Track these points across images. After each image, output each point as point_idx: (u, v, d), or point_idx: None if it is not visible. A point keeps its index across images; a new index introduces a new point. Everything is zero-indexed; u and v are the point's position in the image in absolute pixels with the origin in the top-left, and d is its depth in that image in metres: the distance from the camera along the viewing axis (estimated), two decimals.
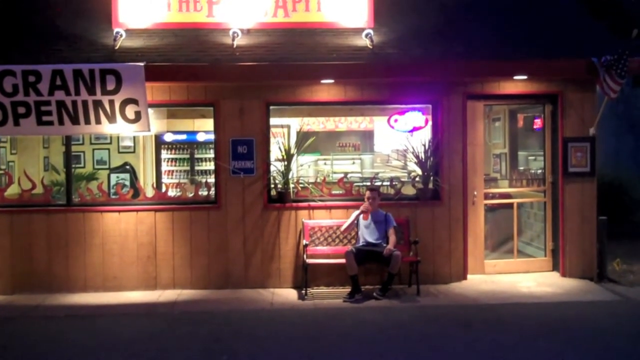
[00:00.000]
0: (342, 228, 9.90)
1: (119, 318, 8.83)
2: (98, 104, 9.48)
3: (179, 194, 10.67)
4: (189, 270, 10.16)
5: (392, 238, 9.68)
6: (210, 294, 9.92)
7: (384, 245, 9.67)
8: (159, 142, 15.21)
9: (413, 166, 10.83)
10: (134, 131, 9.70)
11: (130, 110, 9.52)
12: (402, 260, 9.57)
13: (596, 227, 10.55)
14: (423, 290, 9.76)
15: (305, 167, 15.40)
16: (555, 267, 10.78)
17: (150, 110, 11.03)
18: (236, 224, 10.18)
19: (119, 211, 10.14)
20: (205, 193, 10.59)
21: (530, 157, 12.43)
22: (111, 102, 9.49)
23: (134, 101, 9.48)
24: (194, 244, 10.16)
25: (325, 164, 16.09)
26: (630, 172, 16.78)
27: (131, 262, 10.13)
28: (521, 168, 12.49)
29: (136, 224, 10.13)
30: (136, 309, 9.25)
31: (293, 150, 10.41)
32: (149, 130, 9.67)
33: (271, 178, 10.29)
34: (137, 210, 10.15)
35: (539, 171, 11.32)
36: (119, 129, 9.64)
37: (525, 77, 10.19)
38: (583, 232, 10.56)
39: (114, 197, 10.59)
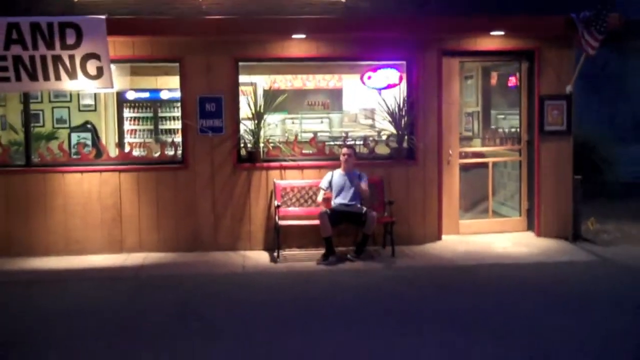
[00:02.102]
0: (319, 199, 9.58)
1: (84, 283, 8.45)
2: (57, 59, 8.97)
3: (144, 153, 10.24)
4: (156, 232, 9.80)
5: (364, 188, 9.38)
6: (179, 257, 9.58)
7: (359, 206, 9.40)
8: (121, 100, 14.78)
9: (383, 125, 10.56)
10: (95, 88, 9.22)
11: (91, 66, 9.03)
12: (377, 222, 9.33)
13: (572, 187, 10.41)
14: (398, 251, 9.54)
15: (273, 127, 15.07)
16: (530, 227, 10.65)
17: (113, 67, 10.57)
18: (205, 184, 9.82)
19: (82, 172, 9.70)
20: (172, 153, 10.19)
21: (504, 116, 12.23)
22: (71, 57, 8.99)
23: (95, 56, 9.00)
24: (161, 205, 9.79)
25: (293, 122, 15.81)
26: (597, 131, 16.73)
27: (95, 224, 9.73)
28: (494, 127, 12.29)
29: (100, 185, 9.71)
30: (102, 273, 8.88)
31: (263, 109, 10.02)
32: (112, 87, 9.21)
33: (240, 137, 9.92)
34: (100, 171, 9.72)
35: (514, 130, 11.12)
36: (80, 85, 9.16)
37: (502, 33, 9.90)
38: (558, 192, 10.41)
39: (75, 157, 10.14)
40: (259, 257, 9.59)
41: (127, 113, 14.84)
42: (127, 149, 14.00)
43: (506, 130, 11.69)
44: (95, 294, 7.99)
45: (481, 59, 10.97)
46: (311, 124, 15.76)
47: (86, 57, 8.99)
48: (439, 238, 10.25)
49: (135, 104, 14.89)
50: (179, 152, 9.96)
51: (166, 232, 9.80)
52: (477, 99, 12.57)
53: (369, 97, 16.52)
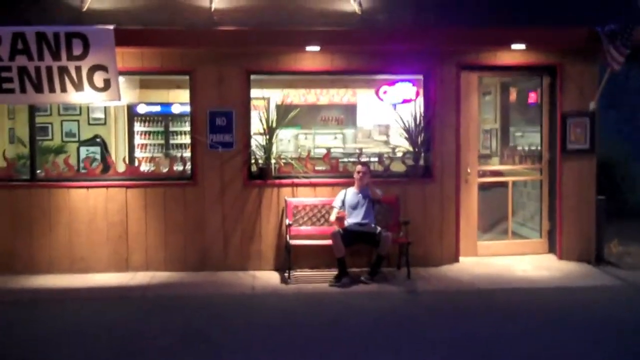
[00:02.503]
0: (331, 218, 9.21)
1: (87, 303, 8.12)
2: (63, 71, 8.70)
3: (152, 169, 9.94)
4: (163, 251, 9.47)
5: (376, 192, 9.06)
6: (186, 276, 9.24)
7: (373, 225, 9.04)
8: (132, 113, 14.62)
9: (398, 140, 10.23)
10: (102, 100, 8.93)
11: (98, 78, 8.74)
12: (392, 242, 8.97)
13: (595, 208, 10.00)
14: (413, 273, 9.16)
15: (285, 142, 14.78)
16: (551, 250, 10.23)
17: (121, 79, 10.28)
18: (214, 201, 9.49)
19: (88, 187, 9.40)
20: (180, 168, 9.88)
21: (522, 134, 11.86)
22: (78, 69, 8.71)
23: (102, 68, 8.71)
24: (169, 223, 9.46)
25: (306, 138, 15.55)
26: (617, 148, 16.28)
27: (100, 242, 9.41)
28: (513, 145, 11.92)
29: (106, 201, 9.40)
30: (106, 293, 8.55)
31: (275, 123, 9.70)
32: (119, 100, 8.92)
33: (252, 153, 9.60)
34: (107, 187, 9.41)
35: (533, 148, 10.75)
36: (87, 98, 8.88)
37: (523, 46, 9.54)
38: (581, 213, 10.00)
39: (82, 171, 9.83)
40: (269, 277, 9.23)
41: (137, 127, 14.67)
42: (135, 164, 13.81)
43: (525, 148, 11.32)
44: (99, 315, 7.65)
45: (501, 74, 10.61)
46: (324, 140, 15.48)
47: (93, 69, 8.71)
48: (457, 260, 9.86)
49: (146, 118, 14.70)
50: (188, 167, 9.64)
51: (174, 250, 9.48)
52: (495, 116, 12.21)
53: (384, 113, 16.34)
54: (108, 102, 9.13)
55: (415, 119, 9.84)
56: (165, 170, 9.82)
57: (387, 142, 16.98)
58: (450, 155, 9.80)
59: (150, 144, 14.76)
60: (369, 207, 9.12)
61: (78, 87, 8.80)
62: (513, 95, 12.20)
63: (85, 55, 8.68)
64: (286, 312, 7.75)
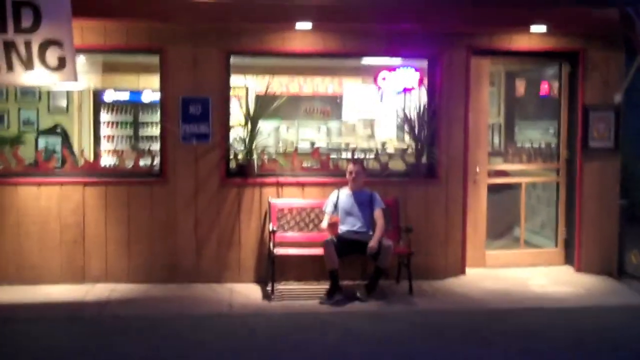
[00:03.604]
0: (323, 225, 7.98)
1: (32, 325, 6.77)
2: (10, 46, 7.30)
3: (114, 163, 8.61)
4: (126, 259, 8.15)
5: (380, 223, 7.81)
6: (152, 289, 7.93)
7: (371, 233, 7.81)
8: (98, 101, 13.39)
9: (384, 135, 9.06)
10: (56, 81, 7.57)
11: (52, 55, 7.36)
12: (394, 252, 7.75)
13: (618, 214, 8.86)
14: (416, 288, 7.94)
15: (265, 135, 13.62)
16: (568, 261, 9.06)
17: (82, 59, 9.04)
18: (186, 202, 8.18)
19: (39, 184, 8.04)
20: (147, 163, 8.57)
21: (532, 129, 10.71)
22: (27, 44, 7.34)
23: (57, 43, 7.34)
24: (133, 227, 8.14)
25: (287, 131, 14.43)
26: (636, 148, 15.18)
27: (53, 247, 8.07)
28: (521, 142, 10.77)
29: (60, 200, 8.06)
30: (56, 310, 7.20)
31: (257, 113, 8.41)
32: (76, 80, 7.55)
33: (230, 147, 8.32)
34: (61, 184, 8.06)
35: (544, 146, 9.61)
36: (38, 78, 7.49)
37: (544, 28, 8.33)
38: (602, 220, 8.85)
39: (31, 166, 8.47)
40: (250, 291, 7.96)
41: (104, 116, 13.40)
42: (100, 157, 12.52)
43: (535, 145, 10.16)
44: (43, 341, 6.32)
45: (516, 61, 9.36)
46: (307, 133, 14.35)
47: (46, 44, 7.33)
48: (463, 272, 8.66)
49: (114, 107, 13.47)
50: (157, 162, 8.34)
51: (138, 259, 8.16)
52: (498, 109, 11.06)
53: (371, 105, 15.39)
54: (62, 83, 7.78)
55: (418, 111, 8.62)
56: (130, 165, 8.50)
57: (371, 137, 16.06)
58: (457, 153, 8.58)
59: (118, 135, 13.52)
60: (365, 211, 7.89)
61: (27, 65, 7.42)
62: (521, 86, 11.05)
63: (36, 28, 7.31)
64: (271, 338, 6.47)
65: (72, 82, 7.57)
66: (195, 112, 8.12)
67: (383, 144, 12.62)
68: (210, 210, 8.22)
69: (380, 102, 16.15)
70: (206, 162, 8.18)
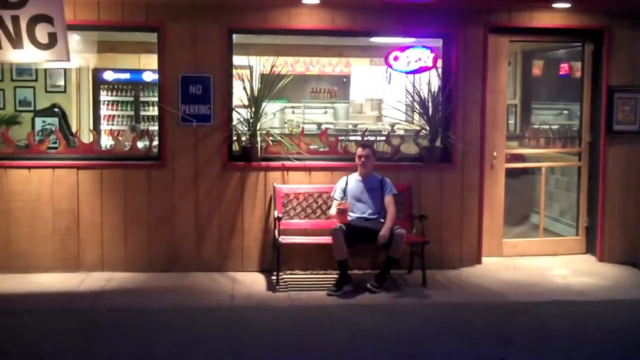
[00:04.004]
0: (331, 212, 7.49)
1: (18, 318, 6.30)
2: None
3: (110, 145, 8.15)
4: (123, 247, 7.71)
5: (391, 210, 7.34)
6: (150, 279, 7.50)
7: (382, 221, 7.34)
8: (98, 81, 13.10)
9: (392, 116, 8.60)
10: (47, 60, 7.17)
11: (41, 32, 6.97)
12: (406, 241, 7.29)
13: None
14: (429, 278, 7.49)
15: (270, 117, 13.18)
16: (589, 249, 8.60)
17: (75, 36, 8.58)
18: (186, 187, 7.73)
19: (29, 167, 7.59)
20: (146, 146, 8.11)
21: (552, 111, 10.22)
22: (15, 19, 6.93)
23: (47, 19, 6.94)
24: (130, 213, 7.70)
25: (293, 112, 13.97)
26: None
27: (45, 235, 7.63)
28: (538, 125, 10.30)
29: (52, 184, 7.61)
30: (47, 302, 6.76)
31: (262, 93, 7.91)
32: (68, 60, 7.14)
33: (233, 129, 7.84)
34: (53, 167, 7.61)
35: (565, 129, 9.13)
36: (27, 56, 7.11)
37: (567, 3, 7.80)
38: (626, 207, 8.38)
39: (22, 148, 8.02)
40: (253, 281, 7.51)
41: (104, 96, 13.06)
42: (100, 137, 12.13)
43: (554, 128, 9.68)
44: (31, 336, 5.88)
45: (536, 39, 8.80)
46: (314, 115, 13.89)
47: (35, 20, 6.94)
48: (479, 261, 8.19)
49: (114, 86, 13.14)
50: (155, 145, 7.88)
51: (135, 246, 7.72)
52: (514, 90, 10.57)
53: (379, 86, 14.91)
54: (54, 61, 7.36)
55: (432, 91, 8.13)
56: (126, 147, 8.05)
57: (379, 118, 15.57)
58: (473, 136, 8.09)
59: (119, 115, 13.20)
60: (376, 197, 7.42)
61: (16, 42, 7.02)
62: (538, 66, 10.54)
63: (25, 3, 6.90)
64: (275, 334, 6.00)
65: (63, 60, 7.14)
66: (196, 92, 7.64)
67: (392, 126, 12.12)
68: (211, 196, 7.76)
69: (388, 84, 15.74)
70: (207, 144, 7.71)
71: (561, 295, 7.19)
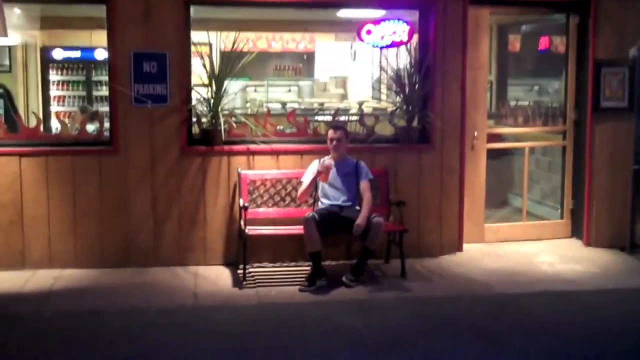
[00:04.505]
0: (298, 195, 6.91)
1: None
2: None
3: (57, 129, 7.42)
4: (72, 241, 6.99)
5: (367, 196, 6.75)
6: (103, 276, 6.82)
7: (357, 208, 6.75)
8: (46, 59, 12.33)
9: (360, 94, 8.01)
10: None
11: None
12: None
13: (631, 181, 7.90)
14: (408, 268, 6.94)
15: (232, 96, 12.56)
16: (575, 233, 8.13)
17: (16, 10, 7.81)
18: (142, 175, 7.02)
19: None
20: (96, 129, 7.39)
21: (530, 87, 9.71)
22: None
23: None
24: (80, 203, 6.98)
25: (255, 90, 13.34)
26: None
27: None
28: (515, 102, 9.79)
29: None
30: None
31: (224, 71, 7.22)
32: (5, 35, 6.38)
33: (192, 110, 7.15)
34: None
35: (547, 106, 8.62)
36: None
37: None
38: (614, 188, 7.90)
39: None
40: (218, 276, 6.87)
41: (53, 76, 12.32)
42: (49, 120, 11.37)
43: (533, 105, 9.17)
44: None
45: (518, 10, 8.22)
46: (277, 94, 13.28)
47: None
48: (460, 249, 7.67)
49: (64, 65, 12.40)
50: (106, 128, 7.16)
51: (87, 240, 7.01)
52: (489, 66, 10.02)
53: (345, 63, 14.38)
54: None
55: (407, 68, 7.52)
56: (75, 132, 7.31)
57: (345, 96, 15.01)
58: (453, 115, 7.52)
59: (70, 96, 12.47)
60: (350, 183, 6.83)
61: None
62: (516, 40, 10.01)
63: None
64: (242, 337, 5.38)
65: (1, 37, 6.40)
66: (150, 69, 6.92)
67: (360, 104, 11.53)
68: (169, 184, 7.08)
69: (353, 61, 15.19)
70: (164, 127, 7.01)
71: (550, 284, 6.70)
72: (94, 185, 6.97)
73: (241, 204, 6.84)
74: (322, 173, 6.66)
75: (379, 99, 11.91)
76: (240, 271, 6.80)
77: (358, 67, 14.55)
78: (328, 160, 6.79)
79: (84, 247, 7.01)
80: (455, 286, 6.67)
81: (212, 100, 7.11)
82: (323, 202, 6.82)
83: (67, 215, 6.97)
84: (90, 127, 7.65)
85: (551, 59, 9.02)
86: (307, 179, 6.83)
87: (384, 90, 8.20)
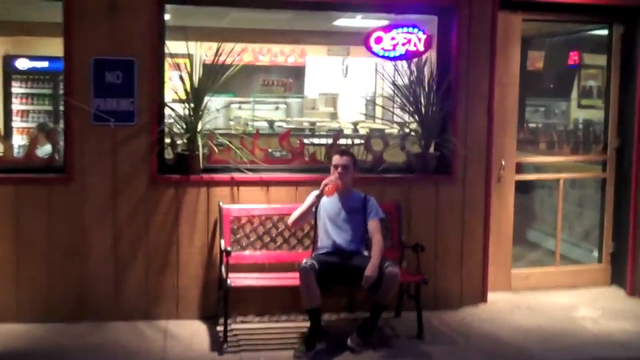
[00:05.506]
0: (291, 218, 5.68)
1: None
2: None
3: None
4: (13, 289, 5.68)
5: (377, 239, 5.50)
6: (51, 333, 5.51)
7: (366, 253, 5.51)
8: (9, 70, 11.43)
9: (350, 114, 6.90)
10: None
11: None
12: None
13: None
14: (425, 324, 5.68)
15: (214, 113, 11.50)
16: (616, 280, 6.93)
17: None
18: (101, 209, 5.74)
19: None
20: (48, 153, 6.12)
21: (558, 109, 8.57)
22: None
23: None
24: (24, 243, 5.68)
25: (240, 108, 12.29)
26: None
27: None
28: (540, 126, 8.65)
29: None
30: None
31: (204, 85, 5.99)
32: None
33: (165, 130, 5.90)
34: None
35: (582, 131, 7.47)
36: None
37: None
38: None
39: None
40: (193, 335, 5.59)
41: (16, 88, 11.22)
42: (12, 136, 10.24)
43: (560, 129, 8.03)
44: None
45: (554, 16, 7.00)
46: (264, 111, 12.28)
47: None
48: (484, 299, 6.43)
49: (29, 76, 11.30)
50: (59, 152, 5.89)
51: (31, 289, 5.69)
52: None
53: (337, 79, 13.56)
54: None
55: (424, 84, 6.32)
56: (18, 154, 6.04)
57: (334, 116, 14.12)
58: (478, 140, 6.33)
59: (34, 111, 11.35)
60: (357, 221, 5.59)
61: None
62: (540, 55, 8.86)
63: None
64: None
65: None
66: (114, 80, 5.68)
67: (355, 125, 10.38)
68: (135, 220, 5.80)
69: (344, 77, 14.31)
70: (130, 151, 5.74)
71: (599, 349, 5.49)
72: (41, 221, 5.67)
73: (222, 247, 5.57)
74: (328, 184, 5.40)
75: (373, 119, 10.82)
76: (220, 327, 5.53)
77: (349, 84, 13.80)
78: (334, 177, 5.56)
79: (29, 297, 5.70)
80: (485, 351, 5.43)
81: (189, 119, 5.86)
82: (323, 244, 5.57)
83: (7, 257, 5.65)
84: (46, 149, 6.40)
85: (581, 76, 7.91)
86: (306, 201, 5.60)
87: (392, 109, 6.99)
